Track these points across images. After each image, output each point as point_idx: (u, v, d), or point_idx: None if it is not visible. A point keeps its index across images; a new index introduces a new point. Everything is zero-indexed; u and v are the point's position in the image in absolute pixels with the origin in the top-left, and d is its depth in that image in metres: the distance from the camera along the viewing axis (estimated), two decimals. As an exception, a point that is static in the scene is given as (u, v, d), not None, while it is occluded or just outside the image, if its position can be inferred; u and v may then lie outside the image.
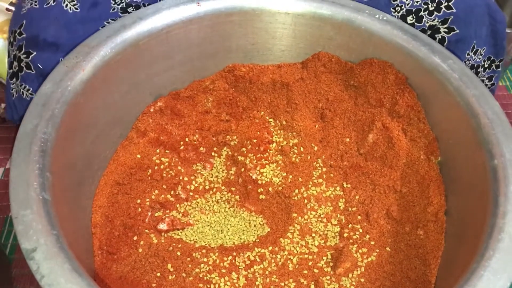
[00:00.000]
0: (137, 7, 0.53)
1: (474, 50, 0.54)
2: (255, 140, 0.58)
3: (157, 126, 0.56)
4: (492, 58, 0.56)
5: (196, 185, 0.56)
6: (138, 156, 0.55)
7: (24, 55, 0.49)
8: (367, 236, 0.52)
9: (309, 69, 0.58)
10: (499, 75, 0.57)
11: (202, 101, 0.59)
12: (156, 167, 0.55)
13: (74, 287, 0.34)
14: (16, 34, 0.50)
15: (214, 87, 0.59)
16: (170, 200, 0.54)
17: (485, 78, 0.57)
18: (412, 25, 0.54)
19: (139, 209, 0.52)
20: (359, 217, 0.53)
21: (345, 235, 0.52)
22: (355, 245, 0.51)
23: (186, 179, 0.56)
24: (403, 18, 0.54)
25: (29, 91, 0.50)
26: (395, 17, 0.54)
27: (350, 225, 0.53)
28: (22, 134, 0.41)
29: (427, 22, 0.53)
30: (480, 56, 0.54)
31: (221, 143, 0.59)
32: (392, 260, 0.49)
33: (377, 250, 0.51)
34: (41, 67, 0.49)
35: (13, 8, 0.58)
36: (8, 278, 0.51)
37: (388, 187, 0.54)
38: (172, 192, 0.54)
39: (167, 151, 0.57)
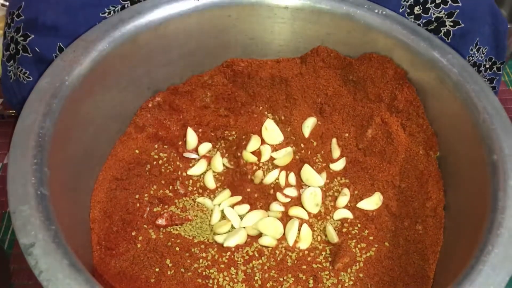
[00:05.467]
0: None
1: (477, 47, 0.54)
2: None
3: (155, 121, 0.56)
4: (493, 60, 0.56)
5: (195, 180, 0.56)
6: (137, 151, 0.55)
7: (22, 38, 0.49)
8: (366, 231, 0.52)
9: (308, 64, 0.58)
10: (500, 78, 0.57)
11: (201, 96, 0.59)
12: (154, 163, 0.55)
13: (73, 283, 0.34)
14: (14, 16, 0.49)
15: (212, 82, 0.59)
16: (168, 196, 0.54)
17: (486, 80, 0.57)
18: (419, 15, 0.54)
19: (138, 205, 0.52)
20: (358, 212, 0.53)
21: (344, 230, 0.52)
22: (354, 240, 0.51)
23: (184, 174, 0.56)
24: (411, 8, 0.54)
25: (26, 75, 0.49)
26: (404, 6, 0.54)
27: (349, 220, 0.53)
28: (19, 129, 0.41)
29: (434, 14, 0.53)
30: (482, 55, 0.54)
31: (220, 138, 0.59)
32: (391, 255, 0.49)
33: (376, 245, 0.51)
34: (38, 50, 0.48)
35: (7, 4, 0.58)
36: (7, 273, 0.51)
37: (387, 182, 0.54)
38: (170, 187, 0.54)
39: (165, 146, 0.57)
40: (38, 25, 0.49)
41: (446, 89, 0.49)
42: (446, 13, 0.53)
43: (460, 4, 0.53)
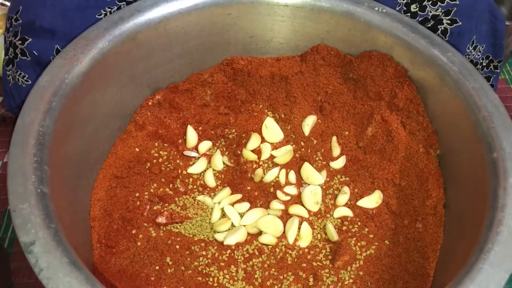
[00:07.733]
0: None
1: (474, 45, 0.54)
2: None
3: (155, 119, 0.56)
4: (490, 58, 0.55)
5: (195, 178, 0.56)
6: (137, 149, 0.55)
7: (20, 42, 0.49)
8: (366, 229, 0.52)
9: (308, 62, 0.58)
10: (497, 76, 0.57)
11: (201, 94, 0.59)
12: (154, 161, 0.55)
13: (73, 281, 0.34)
14: (13, 20, 0.50)
15: (212, 80, 0.59)
16: (168, 194, 0.54)
17: None
18: (415, 13, 0.53)
19: (138, 203, 0.52)
20: (358, 210, 0.53)
21: (344, 228, 0.52)
22: (354, 238, 0.51)
23: (184, 172, 0.56)
24: (407, 6, 0.54)
25: (25, 78, 0.49)
26: (400, 4, 0.54)
27: (349, 218, 0.53)
28: (19, 127, 0.41)
29: (430, 12, 0.53)
30: (479, 53, 0.54)
31: (220, 136, 0.59)
32: (391, 253, 0.50)
33: (376, 243, 0.51)
34: (36, 54, 0.48)
35: (8, 3, 0.57)
36: (7, 272, 0.51)
37: (387, 180, 0.54)
38: (170, 185, 0.54)
39: (165, 145, 0.57)
40: (36, 29, 0.49)
41: (446, 87, 0.49)
42: (443, 11, 0.53)
43: (458, 2, 0.52)
